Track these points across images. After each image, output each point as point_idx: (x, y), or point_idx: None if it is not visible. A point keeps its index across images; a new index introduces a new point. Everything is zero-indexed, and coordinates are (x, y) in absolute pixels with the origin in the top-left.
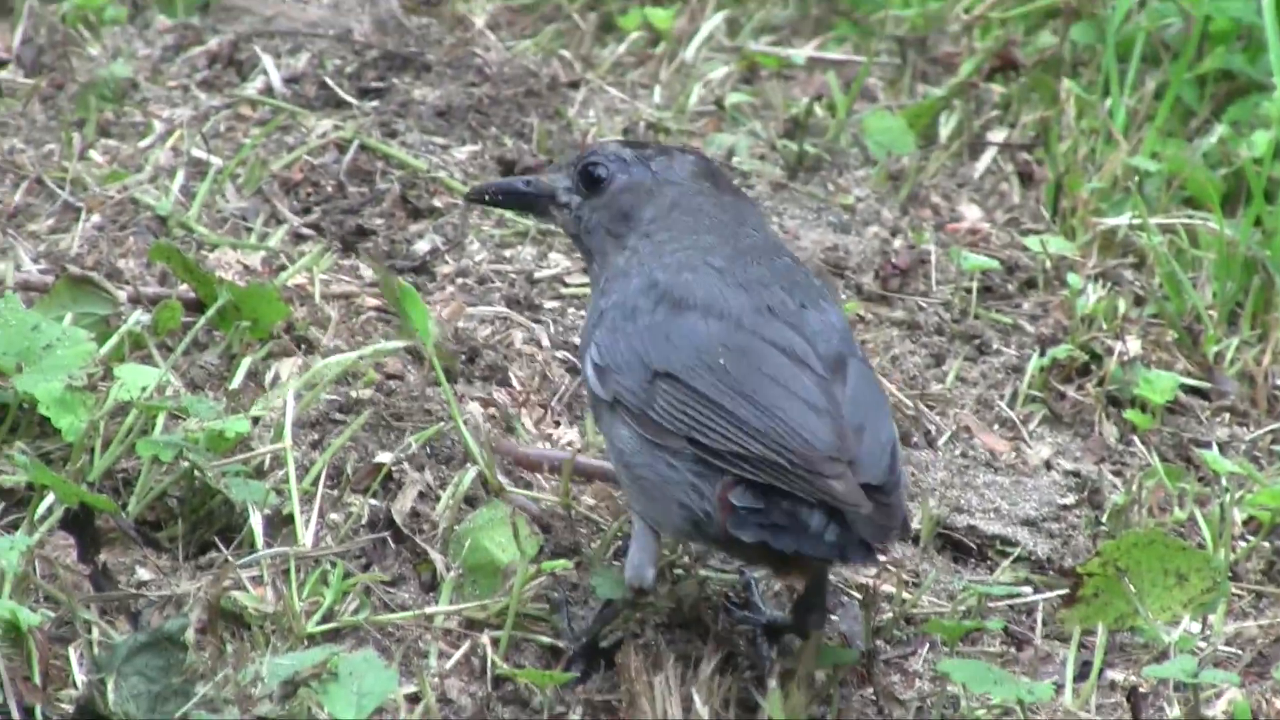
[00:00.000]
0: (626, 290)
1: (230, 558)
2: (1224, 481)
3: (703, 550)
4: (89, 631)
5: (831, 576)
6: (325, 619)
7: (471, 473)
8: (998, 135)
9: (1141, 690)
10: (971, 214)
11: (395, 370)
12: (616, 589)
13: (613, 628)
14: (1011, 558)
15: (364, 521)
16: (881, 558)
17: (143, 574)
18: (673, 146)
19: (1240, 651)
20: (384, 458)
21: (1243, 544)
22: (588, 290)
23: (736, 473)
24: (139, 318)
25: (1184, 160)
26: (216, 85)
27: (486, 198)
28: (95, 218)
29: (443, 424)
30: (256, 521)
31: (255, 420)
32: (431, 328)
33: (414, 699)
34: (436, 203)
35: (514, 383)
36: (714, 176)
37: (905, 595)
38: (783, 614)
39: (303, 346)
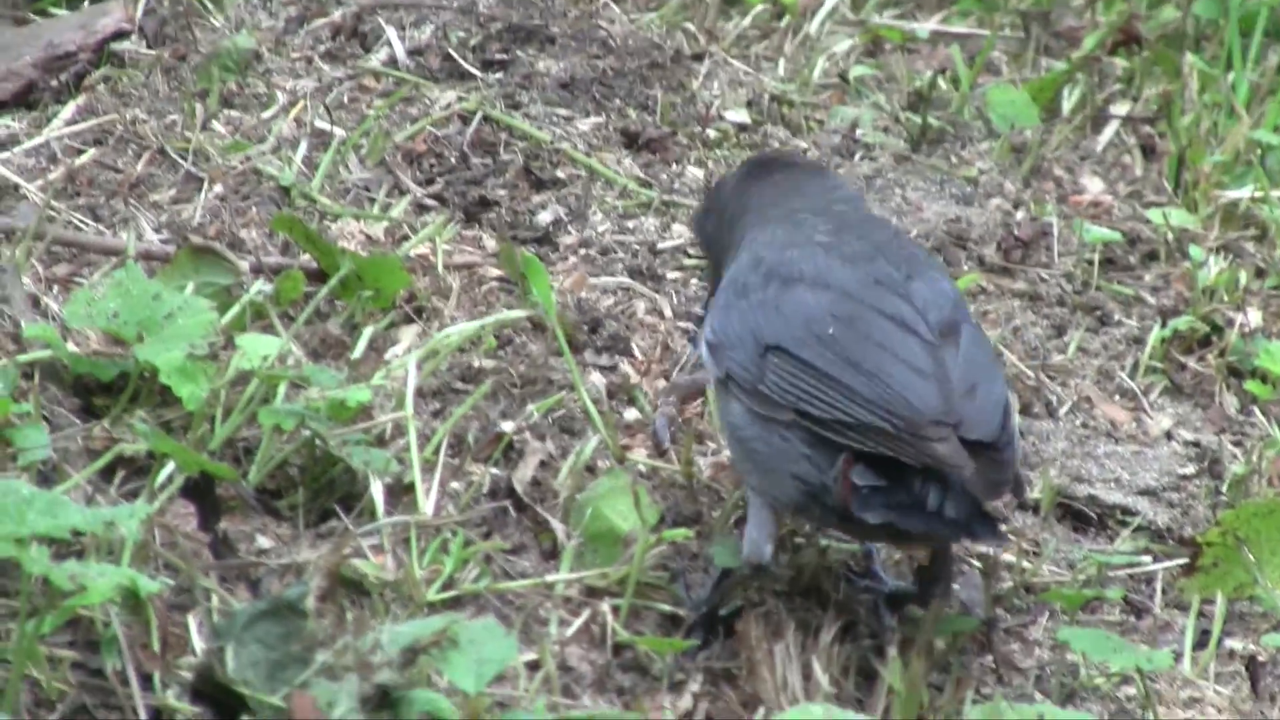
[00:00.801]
0: (737, 268)
1: (350, 526)
2: None
3: (819, 528)
4: (208, 599)
5: (954, 547)
6: (445, 587)
7: (593, 441)
8: (1120, 109)
9: (1260, 659)
10: (1094, 187)
11: (517, 341)
12: (735, 559)
13: (731, 598)
14: (1131, 527)
15: (485, 490)
16: (1006, 534)
17: (263, 542)
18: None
19: None
20: (505, 427)
21: None
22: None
23: (845, 443)
24: (261, 287)
25: None
26: (340, 57)
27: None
28: (217, 188)
29: (564, 393)
30: (377, 490)
31: (377, 389)
32: (554, 298)
33: (534, 666)
34: (560, 174)
35: (636, 353)
36: (768, 165)
37: (1025, 564)
38: (905, 583)
39: (424, 316)
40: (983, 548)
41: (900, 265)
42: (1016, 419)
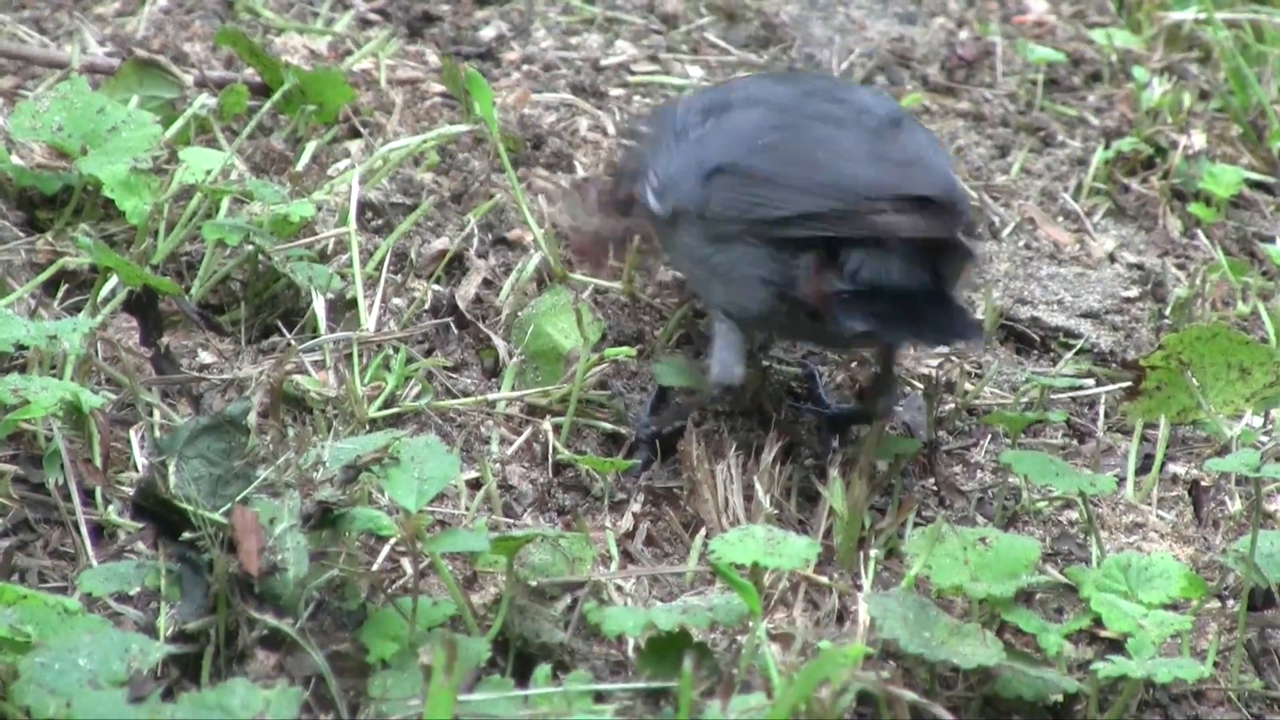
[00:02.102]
0: (676, 118)
1: (293, 342)
2: None
3: (789, 336)
4: (150, 414)
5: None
6: (387, 404)
7: (535, 258)
8: None
9: (1203, 483)
10: (1038, 6)
11: (460, 157)
12: (678, 377)
13: (686, 417)
14: (1074, 350)
15: (427, 307)
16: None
17: (205, 357)
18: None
19: None
20: (448, 242)
21: None
22: (653, 79)
23: (791, 237)
24: (205, 101)
25: None
26: None
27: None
28: (162, 1)
29: (500, 197)
30: (319, 306)
31: (320, 205)
32: (495, 113)
33: (475, 484)
34: None
35: (579, 169)
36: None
37: (968, 386)
38: (848, 405)
39: (368, 132)
40: (966, 348)
41: (836, 85)
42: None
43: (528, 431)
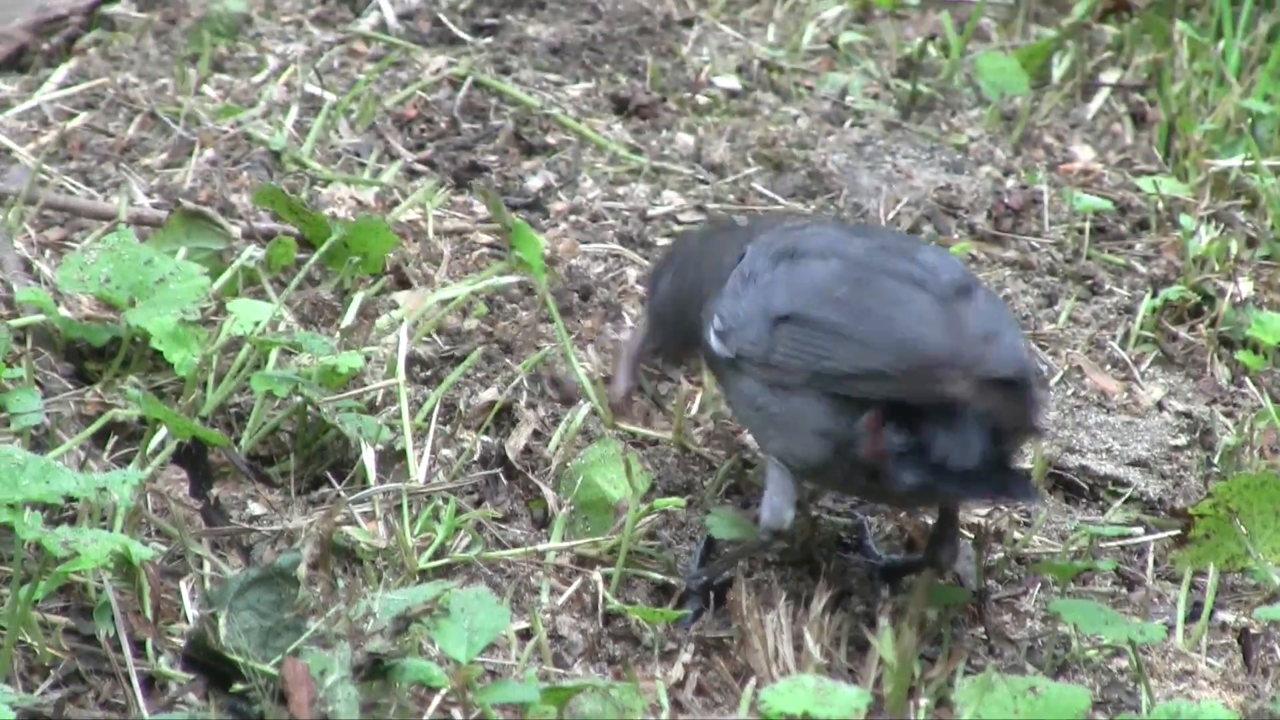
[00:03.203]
0: (745, 262)
1: (342, 493)
2: None
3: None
4: (201, 566)
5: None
6: (437, 555)
7: (584, 409)
8: (1110, 76)
9: (1252, 631)
10: (1084, 155)
11: (508, 307)
12: (729, 529)
13: (736, 565)
14: (1123, 498)
15: (476, 458)
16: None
17: (255, 509)
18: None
19: None
20: (496, 393)
21: None
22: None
23: (859, 397)
24: (252, 253)
25: None
26: (330, 21)
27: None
28: (209, 152)
29: (550, 347)
30: (369, 457)
31: (368, 356)
32: (543, 263)
33: (525, 635)
34: (550, 139)
35: (627, 320)
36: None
37: (1017, 535)
38: (898, 556)
39: (415, 283)
40: (1021, 505)
41: (908, 242)
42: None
43: (577, 582)
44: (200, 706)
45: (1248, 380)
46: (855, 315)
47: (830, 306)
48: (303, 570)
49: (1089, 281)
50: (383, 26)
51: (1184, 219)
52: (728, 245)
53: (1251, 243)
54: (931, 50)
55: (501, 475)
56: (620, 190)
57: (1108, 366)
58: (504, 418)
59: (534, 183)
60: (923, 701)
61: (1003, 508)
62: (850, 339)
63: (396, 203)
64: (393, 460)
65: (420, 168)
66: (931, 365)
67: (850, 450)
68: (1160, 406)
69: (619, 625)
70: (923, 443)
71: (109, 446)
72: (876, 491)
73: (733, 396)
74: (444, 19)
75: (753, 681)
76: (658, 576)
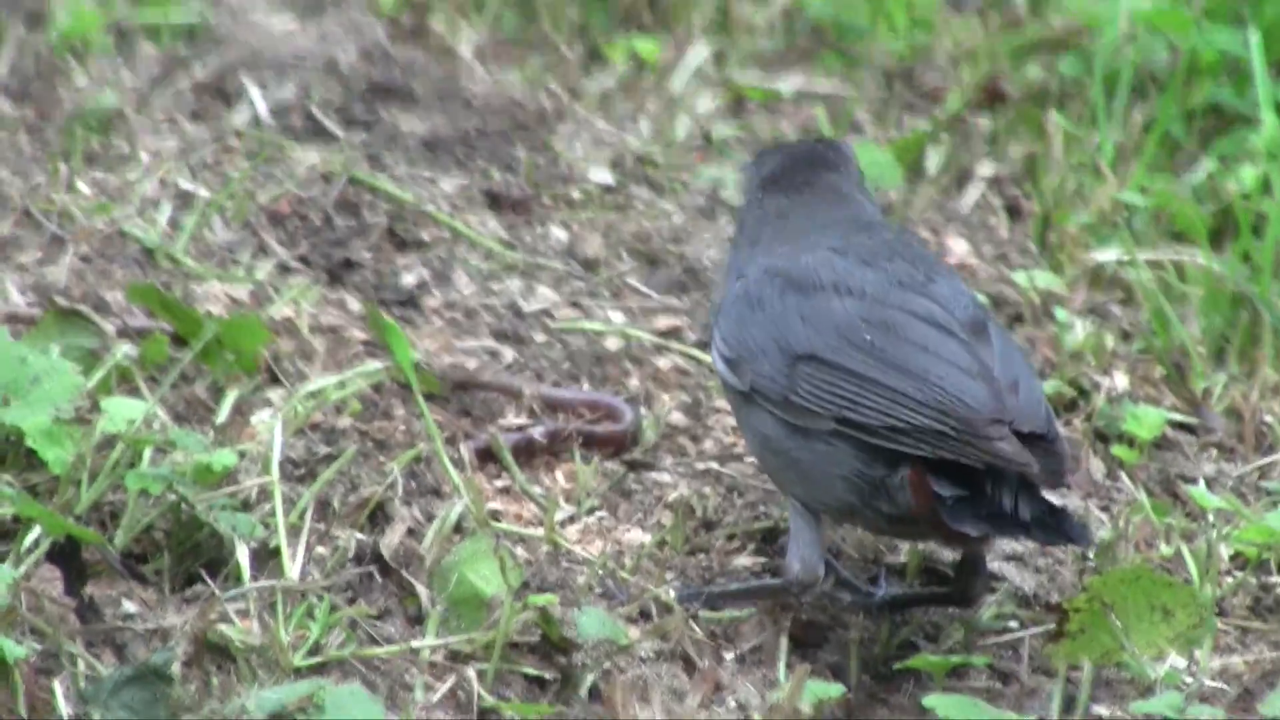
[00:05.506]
0: (746, 282)
1: (217, 591)
2: (1210, 517)
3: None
4: (74, 664)
5: (820, 616)
6: (312, 652)
7: (458, 506)
8: (985, 169)
9: None
10: (959, 248)
11: (383, 404)
12: (602, 628)
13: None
14: (998, 593)
15: (351, 555)
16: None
17: (129, 607)
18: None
19: (1226, 687)
20: (371, 491)
21: (1229, 579)
22: (574, 324)
23: (898, 449)
24: (126, 350)
25: (1172, 195)
26: (203, 116)
27: None
28: (83, 249)
29: (422, 447)
30: (243, 554)
31: (242, 454)
32: (417, 360)
33: None
34: (424, 235)
35: (506, 415)
36: (790, 172)
37: (891, 630)
38: (900, 589)
39: (290, 380)
40: (1078, 548)
41: (916, 264)
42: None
43: (451, 678)
44: None
45: (1123, 474)
46: (886, 365)
47: (857, 353)
48: (177, 668)
49: None
50: (255, 122)
51: (1059, 312)
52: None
53: (1127, 336)
54: None
55: (376, 572)
56: (494, 286)
57: None
58: (379, 515)
59: (408, 279)
60: None
61: (1049, 551)
62: (883, 389)
63: (270, 300)
64: (267, 558)
65: (294, 264)
66: (978, 424)
67: (880, 498)
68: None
69: None
70: (973, 491)
71: None
72: (913, 533)
73: (748, 433)
74: (317, 113)
75: None
76: (532, 671)
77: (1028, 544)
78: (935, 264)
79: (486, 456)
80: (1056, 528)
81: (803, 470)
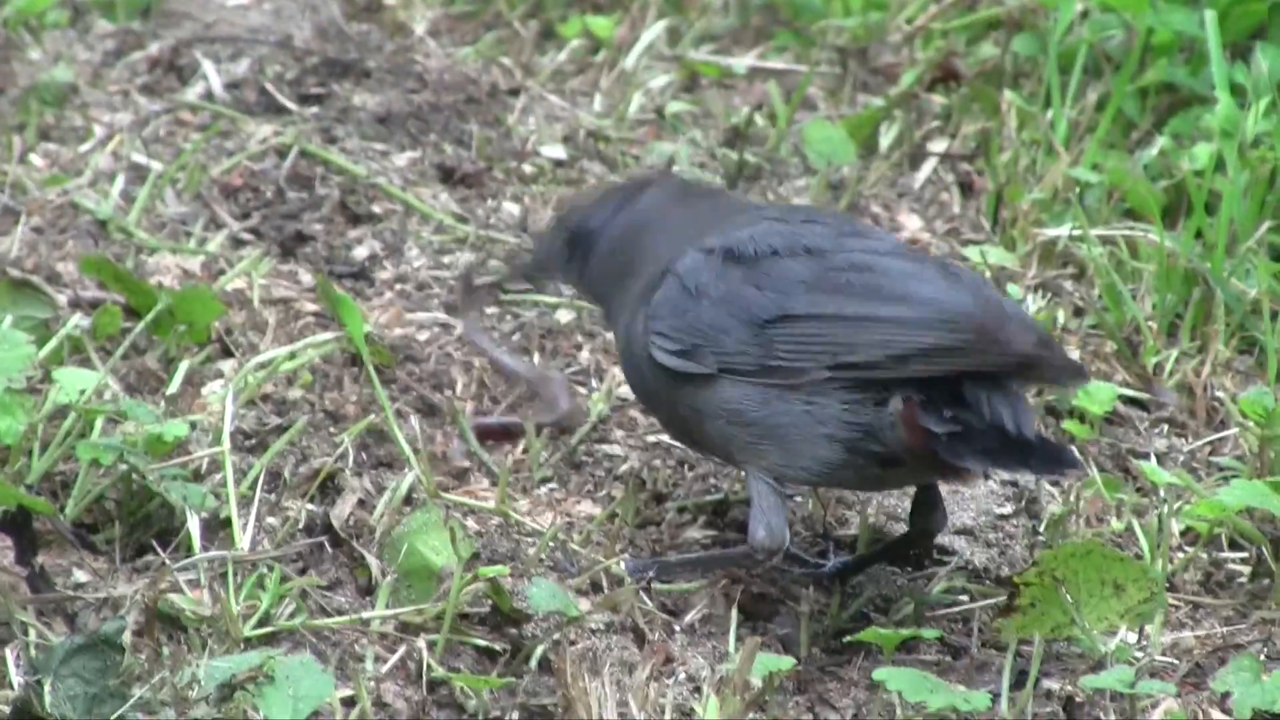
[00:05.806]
0: (681, 276)
1: (168, 561)
2: (1162, 492)
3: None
4: (25, 633)
5: (771, 589)
6: (262, 623)
7: (409, 477)
8: (938, 146)
9: (1078, 700)
10: (912, 224)
11: (334, 376)
12: (552, 600)
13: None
14: (949, 566)
15: (301, 526)
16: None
17: (80, 576)
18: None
19: (1177, 662)
20: (321, 462)
21: (1180, 555)
22: (526, 296)
23: (905, 377)
24: (78, 321)
25: (1125, 172)
26: (157, 90)
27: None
28: (35, 221)
29: (372, 417)
30: (194, 525)
31: (193, 424)
32: (368, 332)
33: (350, 703)
34: (375, 209)
35: (457, 387)
36: (687, 189)
37: (842, 602)
38: (845, 557)
39: (241, 351)
40: (1071, 475)
41: (846, 225)
42: None
43: (402, 649)
44: None
45: (1074, 449)
46: (876, 298)
47: (838, 296)
48: (127, 637)
49: None
50: (209, 96)
51: (1011, 288)
52: (662, 245)
53: (1079, 312)
54: (759, 120)
55: (327, 543)
56: (446, 259)
57: None
58: (329, 486)
59: (360, 252)
60: None
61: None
62: (879, 322)
63: (222, 272)
64: (218, 528)
65: (246, 237)
66: (992, 328)
67: (868, 447)
68: (986, 475)
69: (443, 693)
70: (968, 421)
71: None
72: (891, 479)
73: (704, 415)
74: (270, 88)
75: None
76: (482, 643)
77: (1026, 477)
78: (860, 225)
79: (488, 435)
80: (1055, 455)
81: (780, 436)
